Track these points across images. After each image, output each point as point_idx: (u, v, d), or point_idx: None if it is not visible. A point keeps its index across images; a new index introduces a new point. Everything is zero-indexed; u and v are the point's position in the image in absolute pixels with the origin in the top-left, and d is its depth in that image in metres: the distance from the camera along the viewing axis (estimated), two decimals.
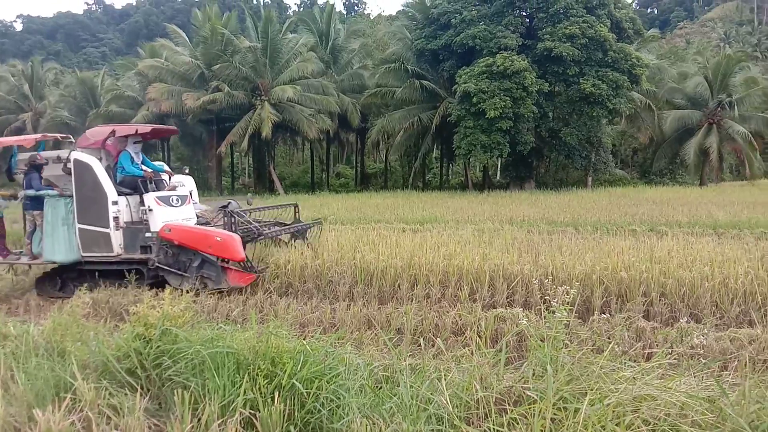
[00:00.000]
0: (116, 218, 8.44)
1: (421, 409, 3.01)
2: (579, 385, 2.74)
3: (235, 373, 3.41)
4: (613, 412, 2.61)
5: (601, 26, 28.38)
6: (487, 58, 28.33)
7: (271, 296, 7.32)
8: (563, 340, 3.14)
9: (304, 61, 34.19)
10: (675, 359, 3.79)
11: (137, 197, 8.85)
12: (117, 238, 8.47)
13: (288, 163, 54.41)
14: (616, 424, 2.67)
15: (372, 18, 75.15)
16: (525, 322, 3.45)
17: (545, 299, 5.68)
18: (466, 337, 5.01)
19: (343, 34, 41.31)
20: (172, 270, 8.37)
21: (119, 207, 8.53)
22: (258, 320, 5.24)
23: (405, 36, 35.55)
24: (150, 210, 8.52)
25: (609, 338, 5.13)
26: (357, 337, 5.39)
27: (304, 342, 3.66)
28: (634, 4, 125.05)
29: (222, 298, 7.44)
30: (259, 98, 33.10)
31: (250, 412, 3.23)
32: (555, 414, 2.78)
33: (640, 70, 29.63)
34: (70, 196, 8.52)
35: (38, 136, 9.35)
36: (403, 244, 8.90)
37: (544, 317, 3.41)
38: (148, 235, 8.48)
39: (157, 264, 8.36)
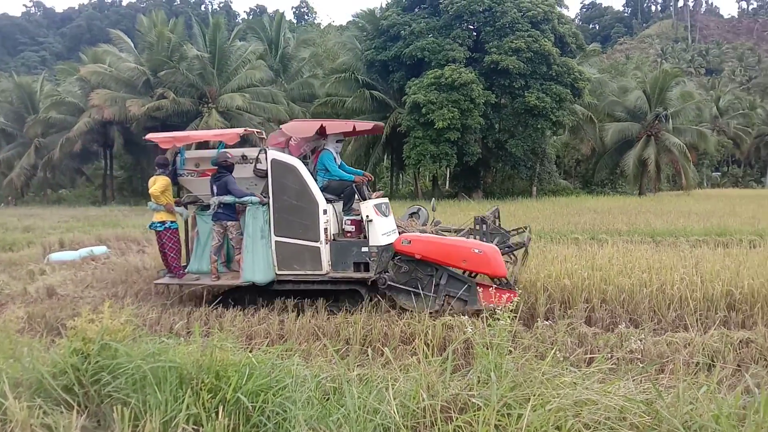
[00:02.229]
0: (326, 230, 7.15)
1: (368, 419, 3.02)
2: (522, 391, 2.80)
3: (178, 388, 3.33)
4: (555, 417, 2.69)
5: (545, 41, 29.26)
6: (435, 69, 28.81)
7: (217, 308, 7.17)
8: (508, 347, 3.20)
9: (253, 68, 33.85)
10: (614, 364, 3.93)
11: (338, 205, 7.79)
12: (326, 254, 7.15)
13: None
14: (558, 429, 2.74)
15: (322, 27, 75.21)
16: (470, 330, 3.51)
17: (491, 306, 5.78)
18: (414, 345, 5.05)
19: (293, 43, 41.17)
20: (407, 289, 7.02)
21: (328, 217, 7.24)
22: (203, 333, 5.13)
23: (355, 46, 35.74)
24: (370, 221, 7.09)
25: (552, 344, 5.27)
26: (305, 349, 5.34)
27: (250, 355, 3.61)
28: (576, 20, 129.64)
29: (165, 310, 7.22)
30: (206, 106, 32.52)
31: (193, 428, 3.16)
32: (499, 420, 2.83)
33: (583, 83, 30.71)
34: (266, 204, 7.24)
35: (240, 130, 7.71)
36: None
37: (489, 325, 3.47)
38: (365, 249, 7.11)
39: (389, 283, 7.01)
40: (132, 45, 36.78)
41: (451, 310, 6.70)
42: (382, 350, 5.05)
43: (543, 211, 20.51)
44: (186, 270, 7.84)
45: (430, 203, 9.23)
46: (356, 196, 7.83)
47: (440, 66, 28.99)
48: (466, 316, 5.87)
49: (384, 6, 35.95)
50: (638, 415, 2.78)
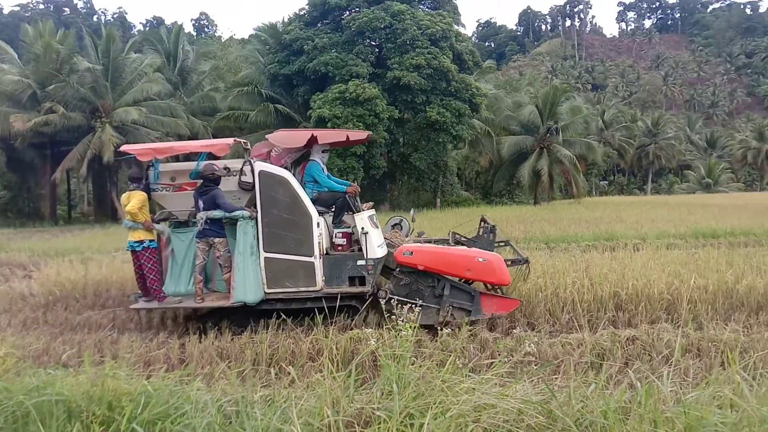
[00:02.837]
0: (319, 243, 6.79)
1: None
2: (424, 400, 2.86)
3: (66, 423, 3.11)
4: (455, 423, 2.76)
5: (444, 58, 30.22)
6: (340, 84, 28.98)
7: (111, 333, 6.77)
8: (411, 358, 3.25)
9: (150, 81, 32.56)
10: (512, 367, 4.09)
11: (328, 218, 7.43)
12: (320, 269, 6.80)
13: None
14: None
15: (223, 40, 73.71)
16: (374, 343, 3.52)
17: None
18: (320, 362, 5.01)
19: (192, 56, 39.99)
20: (409, 301, 6.56)
21: (321, 230, 6.90)
22: (96, 362, 4.83)
23: (258, 60, 35.27)
24: (365, 233, 6.87)
25: (459, 351, 5.42)
26: (208, 372, 5.16)
27: (147, 382, 3.44)
28: (473, 38, 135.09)
29: (54, 339, 6.73)
30: (99, 120, 30.84)
31: None
32: (403, 431, 2.87)
33: (480, 99, 32.00)
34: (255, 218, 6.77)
35: (230, 140, 7.13)
36: None
37: (392, 336, 3.51)
38: (360, 263, 6.84)
39: (390, 295, 6.74)
40: (16, 56, 34.32)
41: (454, 320, 6.60)
42: (289, 369, 4.97)
43: (446, 222, 21.04)
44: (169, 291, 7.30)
45: (410, 214, 9.08)
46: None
47: (344, 81, 29.22)
48: (371, 329, 5.91)
49: (286, 20, 35.80)
50: (534, 416, 2.91)
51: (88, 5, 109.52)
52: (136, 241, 7.04)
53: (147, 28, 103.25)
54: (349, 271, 6.91)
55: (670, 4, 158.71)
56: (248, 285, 6.65)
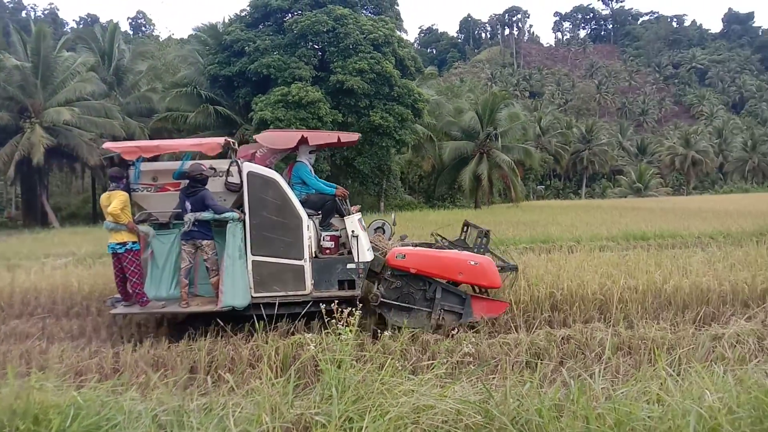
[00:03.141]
0: (309, 246, 6.63)
1: None
2: (364, 404, 2.86)
3: None
4: (395, 425, 2.78)
5: (387, 63, 30.44)
6: (282, 87, 28.72)
7: (40, 343, 6.46)
8: (351, 361, 3.25)
9: (83, 81, 31.28)
10: (454, 368, 4.15)
11: (315, 220, 7.18)
12: (309, 272, 6.63)
13: (65, 193, 49.00)
14: None
15: (161, 40, 71.72)
16: (313, 348, 3.50)
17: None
18: (259, 369, 4.93)
19: (128, 55, 38.67)
20: (400, 305, 6.74)
21: (310, 233, 6.73)
22: (22, 373, 4.59)
23: (197, 60, 34.51)
24: (356, 236, 6.79)
25: (400, 354, 5.45)
26: (143, 381, 4.99)
27: (76, 393, 3.30)
28: (415, 44, 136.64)
29: None
30: (29, 120, 29.39)
31: None
32: None
33: (422, 104, 32.40)
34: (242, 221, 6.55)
35: (220, 139, 6.76)
36: None
37: (333, 340, 3.50)
38: (351, 266, 6.73)
39: (381, 299, 6.67)
40: None
41: (444, 324, 6.62)
42: (228, 375, 4.87)
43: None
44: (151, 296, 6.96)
45: (390, 217, 8.95)
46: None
47: (287, 83, 28.97)
48: (311, 334, 5.88)
49: (227, 21, 35.20)
50: (472, 416, 2.96)
51: (16, 0, 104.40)
52: (118, 243, 6.70)
53: (80, 26, 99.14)
54: (339, 274, 6.81)
55: (603, 16, 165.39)
56: (237, 289, 6.47)
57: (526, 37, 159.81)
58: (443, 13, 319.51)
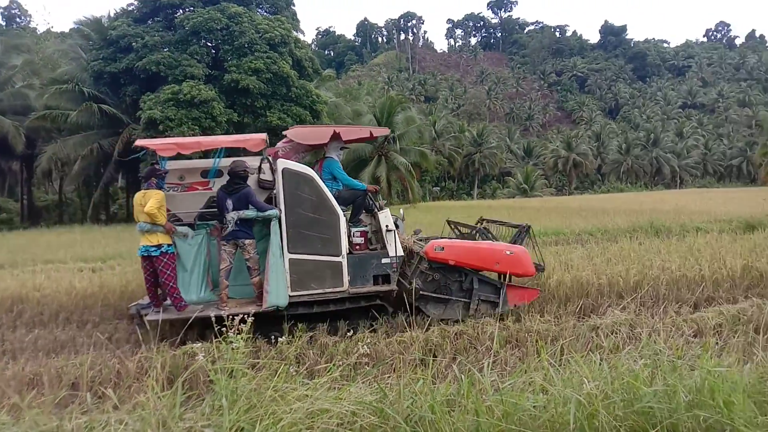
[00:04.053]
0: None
1: None
2: (256, 413, 2.83)
3: None
4: None
5: (284, 63, 30.09)
6: (173, 85, 27.56)
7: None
8: (244, 369, 3.20)
9: None
10: (349, 370, 4.18)
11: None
12: (346, 269, 6.53)
13: None
14: None
15: (39, 33, 66.54)
16: (202, 357, 3.39)
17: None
18: (154, 380, 4.72)
19: (1, 48, 35.58)
20: (438, 297, 6.89)
21: (345, 228, 6.64)
22: None
23: (80, 56, 32.40)
24: (389, 230, 6.83)
25: (297, 358, 5.43)
26: (15, 402, 4.60)
27: None
28: (313, 45, 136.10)
29: None
30: None
31: None
32: None
33: (321, 106, 32.32)
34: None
35: (264, 135, 6.66)
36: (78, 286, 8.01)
37: (224, 349, 3.43)
38: (386, 261, 6.74)
39: (421, 292, 6.75)
40: None
41: (480, 313, 6.80)
42: (114, 390, 4.63)
43: None
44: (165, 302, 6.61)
45: (399, 213, 8.71)
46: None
47: (178, 81, 27.84)
48: (200, 343, 5.72)
49: (112, 15, 33.31)
50: (367, 417, 3.01)
51: None
52: (153, 246, 6.36)
53: None
54: (374, 269, 6.82)
55: (492, 24, 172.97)
56: (280, 288, 6.33)
57: (420, 43, 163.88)
58: (340, 15, 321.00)
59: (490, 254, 7.08)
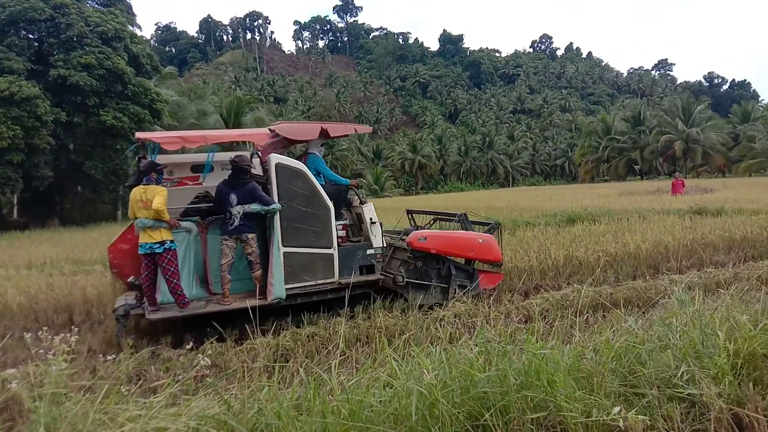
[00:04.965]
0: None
1: None
2: None
3: None
4: None
5: (119, 59, 28.12)
6: None
7: None
8: (68, 393, 2.93)
9: None
10: (190, 384, 3.99)
11: None
12: (337, 260, 6.89)
13: None
14: None
15: None
16: (16, 384, 3.03)
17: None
18: None
19: None
20: (419, 283, 7.54)
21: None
22: None
23: None
24: (374, 223, 7.28)
25: (137, 375, 5.10)
26: None
27: None
28: (152, 41, 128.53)
29: None
30: None
31: None
32: None
33: (161, 105, 30.65)
34: None
35: (266, 130, 7.03)
36: None
37: (42, 372, 3.11)
38: (370, 252, 7.22)
39: (406, 280, 7.41)
40: None
41: (456, 296, 7.25)
42: None
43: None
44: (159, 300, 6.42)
45: None
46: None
47: None
48: (13, 369, 5.17)
49: None
50: (210, 431, 2.90)
51: None
52: (156, 242, 6.16)
53: None
54: (360, 260, 7.17)
55: (339, 28, 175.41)
56: (279, 280, 6.47)
57: (268, 43, 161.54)
58: (181, 11, 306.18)
59: (466, 243, 7.77)
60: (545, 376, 3.42)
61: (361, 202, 7.63)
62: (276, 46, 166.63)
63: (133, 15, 34.85)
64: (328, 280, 6.91)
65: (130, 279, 6.77)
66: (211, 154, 7.11)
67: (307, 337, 6.36)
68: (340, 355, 5.14)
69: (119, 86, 28.33)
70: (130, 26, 31.52)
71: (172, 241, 6.33)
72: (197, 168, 7.22)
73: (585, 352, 3.91)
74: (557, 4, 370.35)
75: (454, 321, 6.59)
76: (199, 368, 3.67)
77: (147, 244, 6.20)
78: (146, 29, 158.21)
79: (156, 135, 6.61)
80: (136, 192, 6.24)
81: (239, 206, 6.44)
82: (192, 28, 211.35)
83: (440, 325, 6.38)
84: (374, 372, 3.70)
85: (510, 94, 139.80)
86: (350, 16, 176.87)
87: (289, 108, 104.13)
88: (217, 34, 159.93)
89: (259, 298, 6.49)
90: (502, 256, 8.12)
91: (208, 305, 6.44)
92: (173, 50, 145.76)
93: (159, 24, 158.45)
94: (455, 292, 7.58)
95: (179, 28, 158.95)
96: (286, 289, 6.59)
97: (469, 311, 6.95)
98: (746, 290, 6.33)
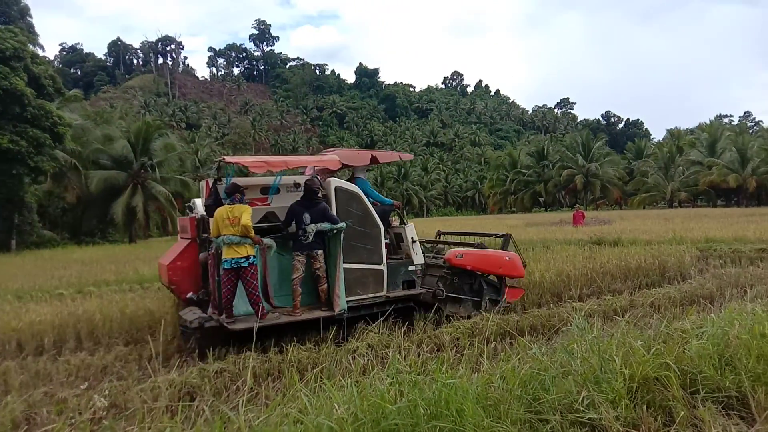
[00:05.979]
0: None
1: None
2: None
3: None
4: None
5: (17, 79, 26.54)
6: None
7: None
8: None
9: None
10: (86, 426, 3.76)
11: None
12: (386, 276, 7.48)
13: None
14: None
15: None
16: None
17: None
18: None
19: None
20: (454, 297, 8.24)
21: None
22: None
23: None
24: (415, 242, 8.10)
25: (25, 419, 4.73)
26: None
27: None
28: (55, 62, 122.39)
29: None
30: None
31: None
32: None
33: (63, 128, 29.09)
34: None
35: (336, 155, 7.96)
36: None
37: None
38: (411, 268, 7.99)
39: (446, 294, 8.07)
40: None
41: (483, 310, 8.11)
42: None
43: (24, 267, 18.31)
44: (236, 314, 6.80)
45: None
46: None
47: None
48: None
49: None
50: None
51: None
52: (242, 257, 6.60)
53: None
54: (403, 276, 7.88)
55: (255, 56, 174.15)
56: (344, 294, 7.02)
57: (180, 68, 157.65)
58: (88, 32, 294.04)
59: (496, 260, 8.49)
60: (454, 405, 3.48)
61: (402, 223, 8.39)
62: (189, 71, 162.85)
63: (36, 34, 33.13)
64: (378, 294, 7.58)
65: (189, 295, 7.15)
66: (278, 177, 7.73)
67: (215, 373, 6.10)
68: (249, 392, 5.00)
69: (17, 108, 26.64)
70: (31, 45, 29.86)
71: (254, 257, 6.77)
72: (265, 190, 7.89)
73: (492, 380, 4.02)
74: (467, 43, 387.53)
75: (367, 352, 6.56)
76: (95, 410, 3.44)
77: (233, 259, 6.62)
78: (50, 50, 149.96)
79: (244, 160, 7.06)
80: (222, 211, 6.73)
81: (312, 224, 6.98)
82: (100, 50, 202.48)
83: (353, 357, 6.33)
84: (284, 408, 3.63)
85: (423, 127, 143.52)
86: (266, 45, 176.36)
87: (202, 134, 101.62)
88: (127, 57, 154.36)
89: (323, 309, 7.12)
90: (524, 273, 8.91)
91: (281, 317, 6.93)
92: (79, 72, 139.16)
93: (64, 45, 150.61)
94: (486, 306, 8.43)
95: (86, 50, 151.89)
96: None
97: (382, 341, 6.95)
98: (640, 316, 6.75)
